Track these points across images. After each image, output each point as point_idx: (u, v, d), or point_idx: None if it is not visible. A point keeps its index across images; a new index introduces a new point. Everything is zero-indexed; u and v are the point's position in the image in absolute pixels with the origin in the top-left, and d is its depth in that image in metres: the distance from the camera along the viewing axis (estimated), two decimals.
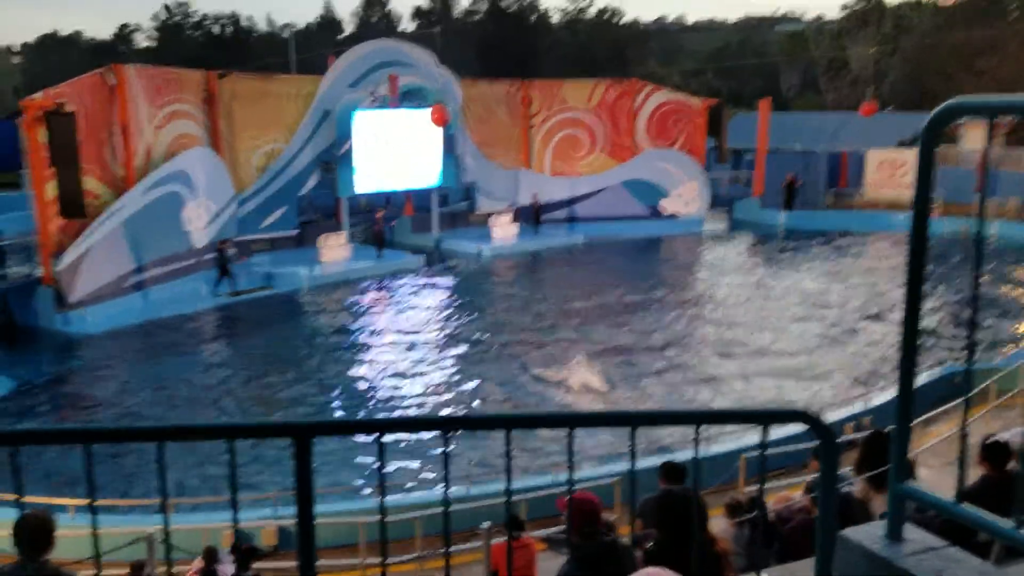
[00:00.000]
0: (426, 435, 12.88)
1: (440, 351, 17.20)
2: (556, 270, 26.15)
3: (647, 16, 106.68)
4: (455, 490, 9.59)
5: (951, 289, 20.98)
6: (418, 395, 14.52)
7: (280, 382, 15.13)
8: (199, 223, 22.37)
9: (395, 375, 15.65)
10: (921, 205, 1.73)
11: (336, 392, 14.82)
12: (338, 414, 13.78)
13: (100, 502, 9.25)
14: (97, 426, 1.61)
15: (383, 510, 1.76)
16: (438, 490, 9.73)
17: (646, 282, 23.30)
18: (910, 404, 1.91)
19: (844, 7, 60.33)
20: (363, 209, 28.86)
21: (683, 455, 10.94)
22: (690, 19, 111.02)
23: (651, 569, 1.55)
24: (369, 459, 11.58)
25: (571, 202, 31.99)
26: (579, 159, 32.35)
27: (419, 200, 29.73)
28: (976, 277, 1.74)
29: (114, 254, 19.26)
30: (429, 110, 24.92)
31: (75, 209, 17.81)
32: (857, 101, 35.70)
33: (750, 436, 11.65)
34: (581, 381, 14.48)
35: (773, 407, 1.84)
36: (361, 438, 14.03)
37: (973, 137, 34.86)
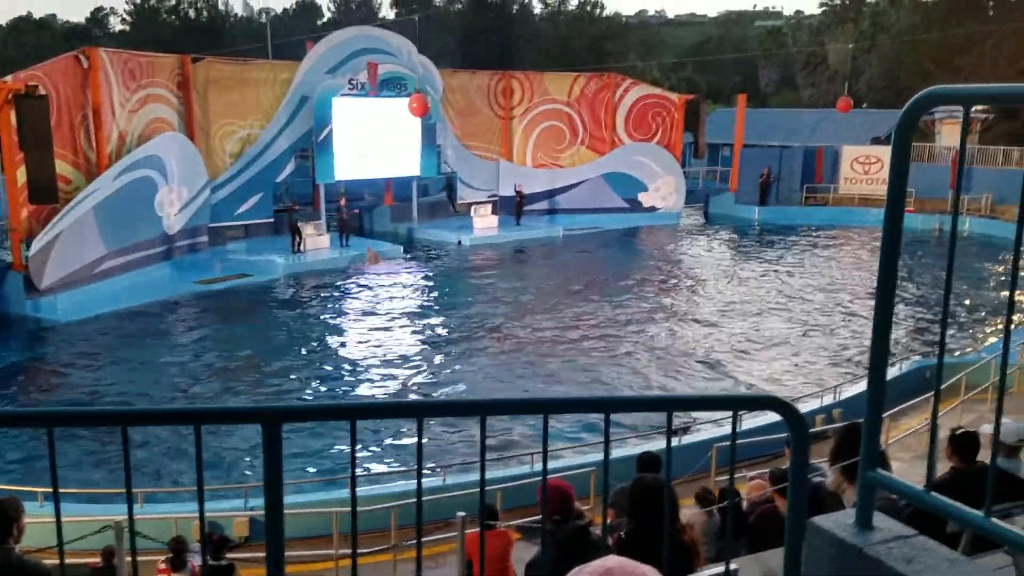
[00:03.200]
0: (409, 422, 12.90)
1: (412, 341, 17.14)
2: (536, 261, 26.15)
3: (628, 9, 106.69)
4: (431, 481, 9.57)
5: (924, 284, 21.25)
6: (392, 385, 14.46)
7: (252, 372, 14.99)
8: (172, 209, 22.12)
9: (367, 365, 15.57)
10: (896, 194, 1.73)
11: (309, 381, 14.70)
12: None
13: (69, 490, 9.17)
14: (60, 410, 1.57)
15: (353, 497, 1.74)
16: (414, 480, 9.70)
17: (625, 273, 23.38)
18: (882, 393, 1.92)
19: (822, 3, 60.80)
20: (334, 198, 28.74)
21: (659, 444, 11.02)
22: (671, 13, 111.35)
23: (612, 558, 1.54)
24: (344, 447, 11.54)
25: (552, 194, 32.02)
26: (560, 151, 32.37)
27: (400, 189, 29.58)
28: (948, 272, 1.74)
29: (85, 240, 18.98)
30: (408, 99, 24.78)
31: (46, 194, 17.50)
32: (834, 97, 36.01)
33: (724, 426, 11.75)
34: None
35: (745, 393, 1.84)
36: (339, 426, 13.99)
37: (949, 133, 35.31)
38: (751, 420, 11.80)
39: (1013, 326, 17.26)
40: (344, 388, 14.37)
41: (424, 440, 1.80)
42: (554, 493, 3.57)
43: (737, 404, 1.78)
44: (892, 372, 13.82)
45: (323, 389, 14.16)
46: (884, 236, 1.72)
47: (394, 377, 14.82)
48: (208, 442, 11.39)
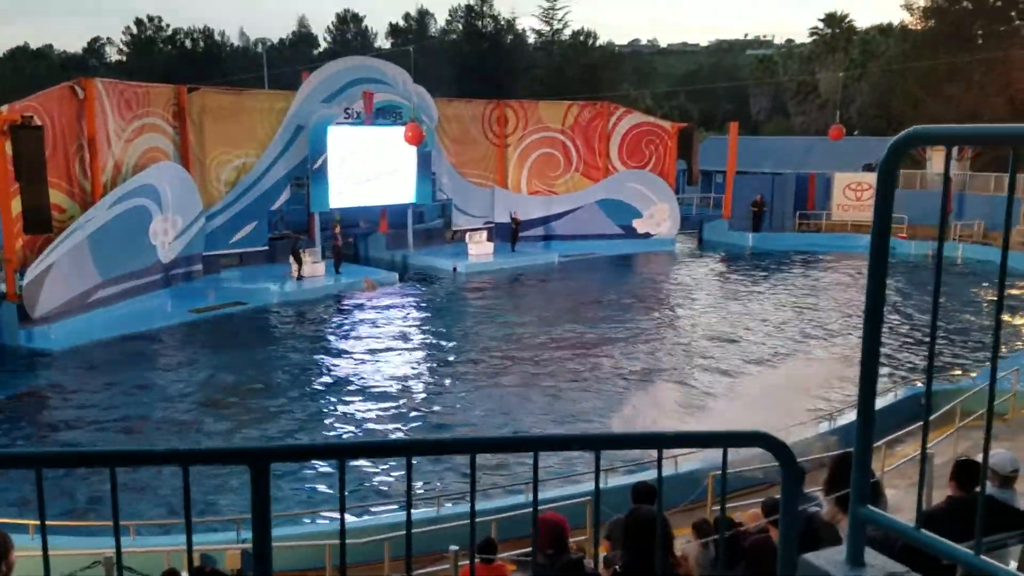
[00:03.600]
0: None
1: (406, 368, 17.10)
2: (531, 288, 26.18)
3: (621, 39, 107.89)
4: (426, 512, 9.49)
5: (921, 309, 21.30)
6: (387, 412, 14.39)
7: (245, 401, 14.91)
8: (166, 238, 22.13)
9: (360, 392, 15.50)
10: (881, 228, 1.75)
11: (302, 409, 14.59)
12: (301, 436, 13.60)
13: (59, 523, 9.07)
14: (49, 451, 1.56)
15: (342, 537, 1.73)
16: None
17: (621, 299, 23.41)
18: (871, 425, 1.92)
19: (813, 32, 61.58)
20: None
21: (654, 474, 10.98)
22: (663, 42, 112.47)
23: None
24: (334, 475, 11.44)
25: (547, 220, 32.17)
26: (554, 178, 32.57)
27: (396, 216, 29.68)
28: (935, 298, 1.75)
29: (79, 269, 18.96)
30: (404, 127, 24.97)
31: (41, 224, 17.52)
32: (825, 125, 36.36)
33: (718, 454, 11.69)
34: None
35: (733, 430, 1.85)
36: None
37: (939, 160, 35.59)
38: (749, 448, 11.76)
39: (1007, 350, 17.30)
40: (337, 416, 14.27)
41: (414, 471, 1.78)
42: (547, 526, 3.55)
43: (726, 440, 1.78)
44: (888, 399, 13.81)
45: (316, 417, 14.06)
46: (870, 270, 1.73)
47: (388, 404, 14.75)
48: (203, 470, 11.31)
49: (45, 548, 1.69)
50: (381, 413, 14.38)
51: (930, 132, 1.71)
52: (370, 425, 13.84)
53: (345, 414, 14.37)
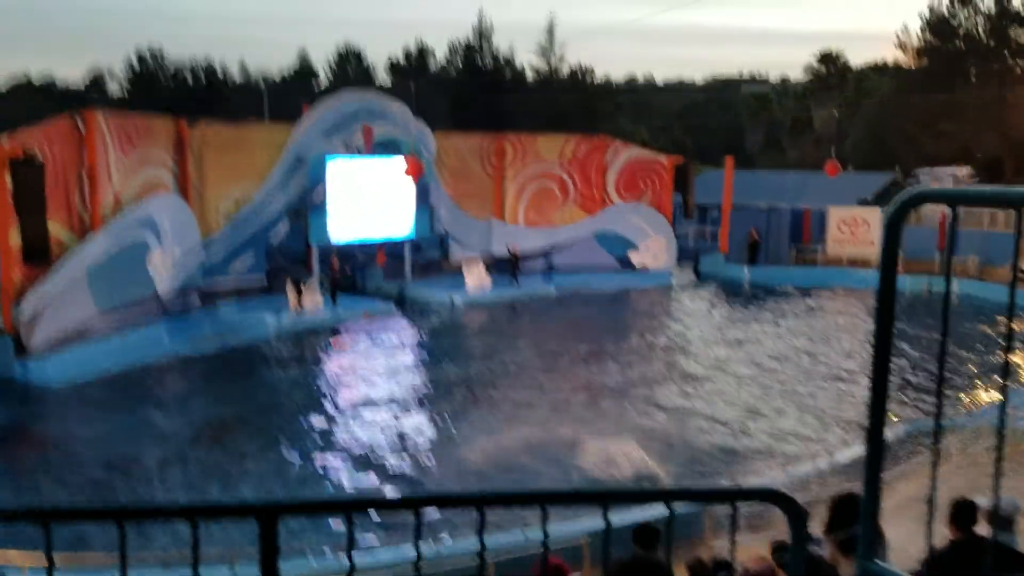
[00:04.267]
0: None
1: (403, 400, 17.04)
2: (529, 320, 26.21)
3: (618, 75, 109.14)
4: (424, 549, 9.38)
5: (917, 345, 21.32)
6: (385, 446, 14.31)
7: (243, 436, 14.81)
8: (164, 270, 22.13)
9: (358, 424, 15.43)
10: (886, 287, 1.77)
11: (300, 443, 14.49)
12: (306, 482, 13.50)
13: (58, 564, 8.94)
14: (57, 507, 1.56)
15: None
16: (406, 548, 9.51)
17: (617, 333, 23.43)
18: (878, 482, 1.92)
19: (808, 69, 62.40)
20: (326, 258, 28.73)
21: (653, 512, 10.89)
22: (659, 79, 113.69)
23: None
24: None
25: (544, 253, 32.27)
26: (551, 211, 32.74)
27: (393, 247, 29.74)
28: (943, 335, 1.77)
29: (76, 301, 18.92)
30: (403, 158, 25.13)
31: (40, 256, 17.53)
32: (819, 160, 36.66)
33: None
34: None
35: (744, 486, 1.83)
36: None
37: None
38: (744, 481, 11.72)
39: (1014, 388, 17.29)
40: (336, 450, 14.17)
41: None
42: (550, 573, 3.53)
43: (736, 496, 1.79)
44: (887, 435, 13.77)
45: (314, 452, 13.94)
46: (876, 332, 1.74)
47: (386, 436, 14.68)
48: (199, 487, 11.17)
49: None
50: (376, 446, 14.30)
51: (932, 193, 1.75)
52: (365, 455, 13.76)
53: (345, 449, 14.27)
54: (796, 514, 1.77)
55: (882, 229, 1.82)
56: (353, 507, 1.73)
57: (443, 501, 1.76)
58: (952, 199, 1.68)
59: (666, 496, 1.80)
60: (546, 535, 1.81)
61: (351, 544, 1.74)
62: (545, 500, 1.82)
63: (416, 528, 1.71)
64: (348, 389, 18.24)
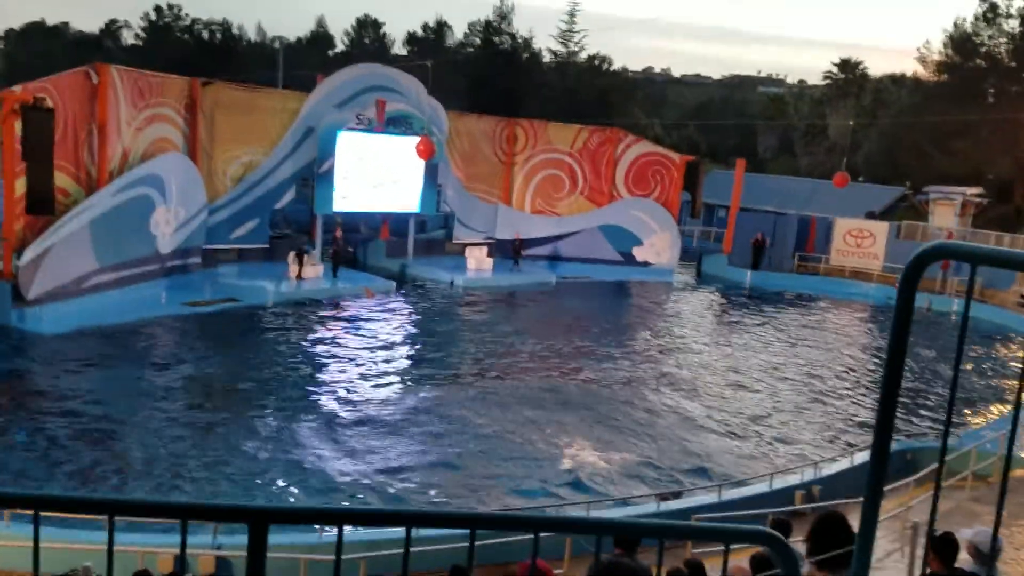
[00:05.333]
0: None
1: (394, 377, 17.06)
2: (527, 306, 26.21)
3: (635, 65, 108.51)
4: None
5: (912, 362, 21.34)
6: (363, 420, 14.34)
7: (230, 402, 14.82)
8: (167, 228, 22.09)
9: (346, 400, 15.45)
10: (898, 340, 1.75)
11: (286, 418, 14.46)
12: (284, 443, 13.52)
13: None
14: (48, 495, 1.55)
15: None
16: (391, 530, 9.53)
17: (615, 326, 23.43)
18: (875, 513, 1.90)
19: (826, 76, 61.98)
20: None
21: (643, 508, 10.94)
22: (676, 72, 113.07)
23: None
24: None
25: (547, 241, 32.24)
26: (558, 199, 32.66)
27: (397, 224, 29.70)
28: (957, 358, 1.76)
29: (77, 254, 18.89)
30: (414, 139, 25.03)
31: (45, 206, 17.51)
32: (831, 168, 36.51)
33: (703, 495, 11.67)
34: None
35: (739, 526, 1.82)
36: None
37: (941, 214, 35.80)
38: (733, 492, 11.75)
39: (1004, 413, 17.32)
40: (322, 428, 14.17)
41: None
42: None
43: (730, 537, 1.77)
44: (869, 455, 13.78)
45: (300, 428, 13.93)
46: (883, 389, 1.73)
47: (370, 411, 14.71)
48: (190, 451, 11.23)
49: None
50: (361, 420, 14.35)
51: (954, 249, 1.72)
52: (348, 431, 13.79)
53: (330, 428, 14.25)
54: (787, 558, 1.77)
55: (900, 278, 1.80)
56: (345, 519, 1.72)
57: (439, 520, 1.75)
58: (974, 257, 1.65)
59: (659, 532, 1.79)
60: (535, 557, 1.80)
61: (339, 552, 1.73)
62: (538, 526, 1.81)
63: (406, 545, 1.70)
64: (336, 361, 18.24)
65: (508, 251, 30.31)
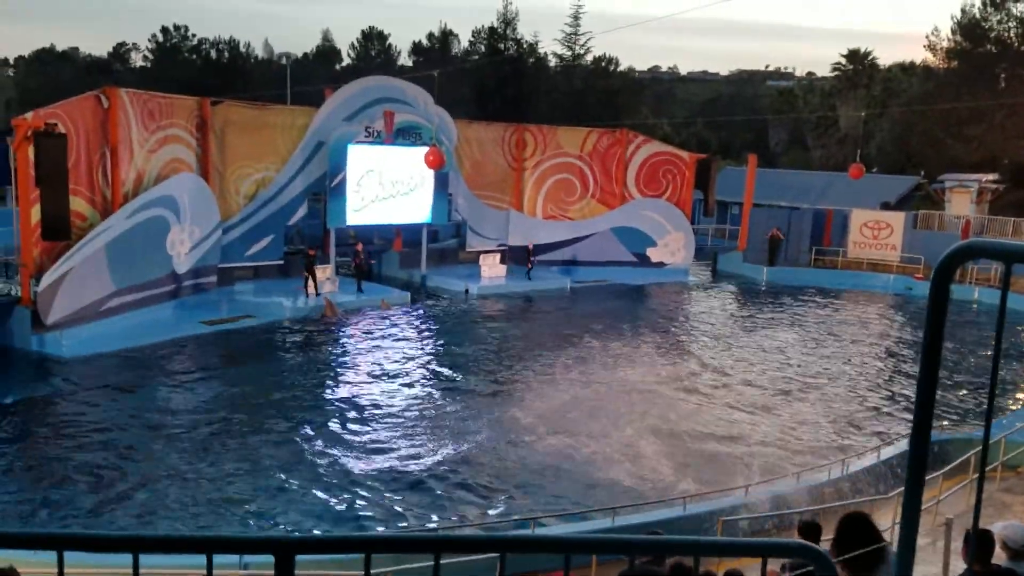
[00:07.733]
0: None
1: (413, 390, 17.04)
2: (543, 313, 26.13)
3: (641, 65, 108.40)
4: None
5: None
6: (385, 435, 14.32)
7: (251, 420, 14.82)
8: (182, 248, 22.23)
9: (367, 415, 15.43)
10: (933, 338, 1.70)
11: (308, 435, 14.47)
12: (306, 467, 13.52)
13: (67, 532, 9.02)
14: (71, 533, 1.53)
15: None
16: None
17: (631, 329, 23.32)
18: (916, 516, 1.84)
19: (835, 67, 61.64)
20: (348, 242, 28.73)
21: (663, 513, 10.85)
22: (683, 70, 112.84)
23: None
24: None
25: (561, 246, 32.17)
26: (570, 204, 32.59)
27: (410, 235, 29.75)
28: (997, 347, 1.70)
29: (95, 277, 19.04)
30: (423, 149, 25.07)
31: (60, 231, 17.63)
32: (844, 159, 36.34)
33: (727, 498, 11.56)
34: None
35: (776, 539, 1.78)
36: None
37: (958, 202, 35.47)
38: (757, 491, 11.64)
39: (1019, 405, 17.09)
40: (344, 442, 14.17)
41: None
42: None
43: (767, 551, 1.72)
44: (900, 446, 13.62)
45: (321, 445, 13.92)
46: (917, 403, 1.68)
47: (395, 429, 14.69)
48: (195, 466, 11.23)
49: None
50: (383, 435, 14.32)
51: (984, 246, 1.67)
52: (373, 445, 13.79)
53: (352, 440, 14.24)
54: (827, 569, 1.72)
55: (931, 279, 1.75)
56: (372, 547, 1.69)
57: (468, 545, 1.71)
58: (1005, 255, 1.60)
59: (693, 548, 1.74)
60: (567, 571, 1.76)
61: (368, 573, 1.70)
62: (567, 548, 1.77)
63: (435, 569, 1.67)
64: (354, 374, 18.25)
65: (522, 258, 30.29)
